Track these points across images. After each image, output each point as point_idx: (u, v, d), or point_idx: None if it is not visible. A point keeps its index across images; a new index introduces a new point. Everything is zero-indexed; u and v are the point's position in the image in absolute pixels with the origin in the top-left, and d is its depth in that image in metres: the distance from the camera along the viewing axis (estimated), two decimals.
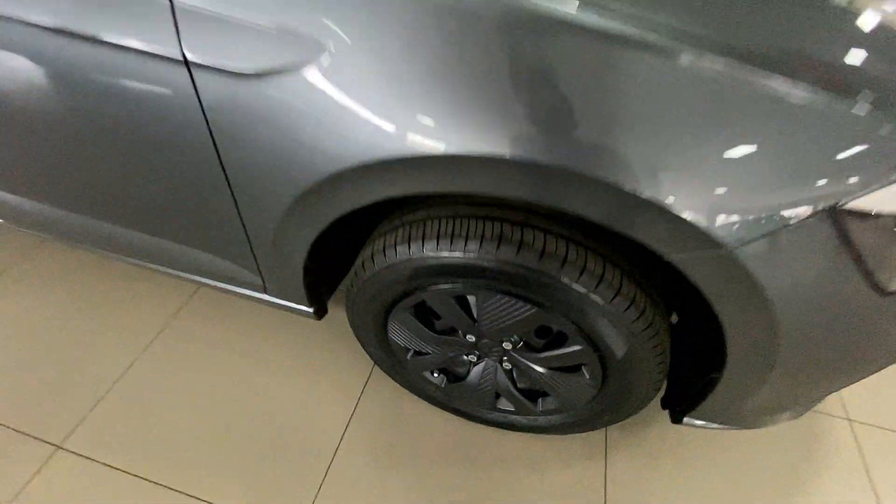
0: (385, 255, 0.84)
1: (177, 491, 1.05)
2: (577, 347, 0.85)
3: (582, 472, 1.10)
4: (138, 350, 1.30)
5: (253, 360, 1.29)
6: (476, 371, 1.03)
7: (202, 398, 1.20)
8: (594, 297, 0.75)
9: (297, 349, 1.32)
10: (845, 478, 1.12)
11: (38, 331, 1.35)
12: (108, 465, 1.08)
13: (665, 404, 1.02)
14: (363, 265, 0.89)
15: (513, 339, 0.91)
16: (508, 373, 1.01)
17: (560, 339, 0.88)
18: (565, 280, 0.74)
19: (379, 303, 0.93)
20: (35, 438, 1.12)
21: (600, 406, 0.96)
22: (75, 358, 1.28)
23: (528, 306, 0.81)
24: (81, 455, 1.10)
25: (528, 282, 0.76)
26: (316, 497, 1.05)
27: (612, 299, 0.75)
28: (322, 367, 1.29)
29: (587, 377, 0.90)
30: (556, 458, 1.12)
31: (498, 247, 0.75)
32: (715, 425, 0.93)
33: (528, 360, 0.93)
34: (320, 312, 1.08)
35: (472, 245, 0.76)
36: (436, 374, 1.09)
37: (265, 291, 1.06)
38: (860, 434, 1.20)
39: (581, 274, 0.74)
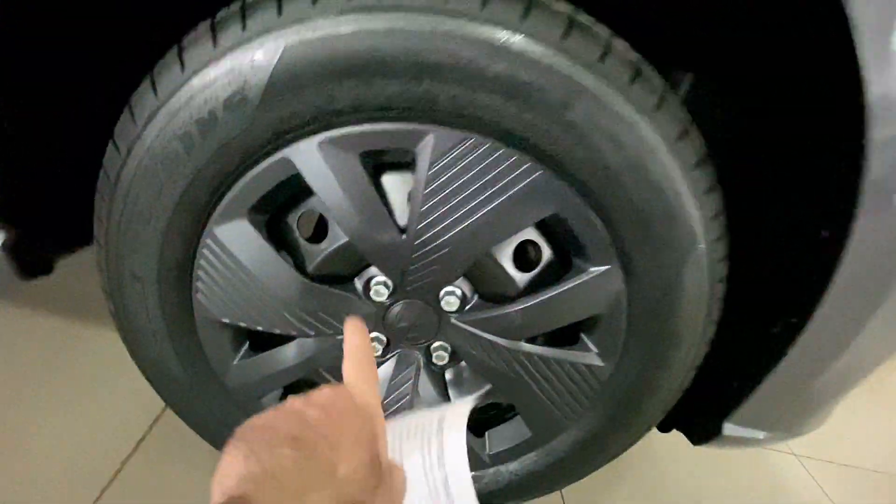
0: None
1: None
2: (602, 268, 0.44)
3: None
4: None
5: None
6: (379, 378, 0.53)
7: None
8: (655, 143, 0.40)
9: None
10: None
11: None
12: None
13: (674, 422, 0.64)
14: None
15: (459, 293, 0.47)
16: (440, 376, 0.55)
17: (557, 268, 0.48)
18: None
19: (184, 204, 0.42)
20: None
21: (597, 421, 0.54)
22: None
23: (531, 163, 0.41)
24: None
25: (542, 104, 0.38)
26: None
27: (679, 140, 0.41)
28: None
29: (593, 348, 0.49)
30: None
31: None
32: (766, 434, 0.58)
33: (487, 328, 0.49)
34: (28, 264, 0.48)
35: None
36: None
37: None
38: (812, 469, 1.00)
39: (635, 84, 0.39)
